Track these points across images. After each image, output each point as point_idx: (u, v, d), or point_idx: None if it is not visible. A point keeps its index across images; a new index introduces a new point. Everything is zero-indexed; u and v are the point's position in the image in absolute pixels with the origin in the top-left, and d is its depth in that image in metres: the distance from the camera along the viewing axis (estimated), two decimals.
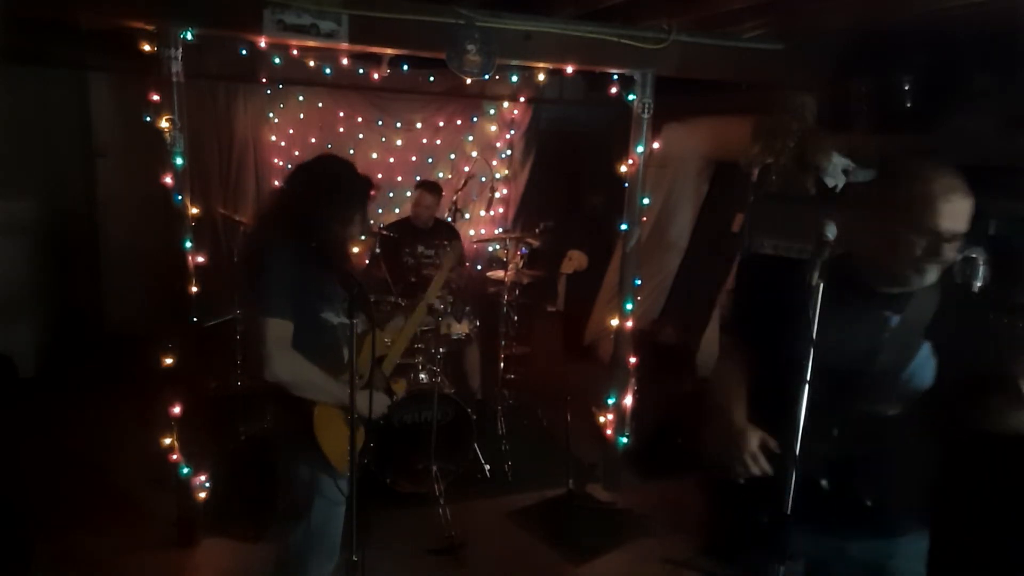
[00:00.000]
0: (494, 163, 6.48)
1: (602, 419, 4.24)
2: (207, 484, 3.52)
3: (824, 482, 1.68)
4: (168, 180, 3.29)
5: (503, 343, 4.72)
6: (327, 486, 2.30)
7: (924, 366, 1.71)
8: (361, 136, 6.26)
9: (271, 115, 5.99)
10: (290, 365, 2.15)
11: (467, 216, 6.55)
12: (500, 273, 4.86)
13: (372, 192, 2.43)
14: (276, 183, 5.96)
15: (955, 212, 1.62)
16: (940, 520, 1.84)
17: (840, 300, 1.58)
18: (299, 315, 2.18)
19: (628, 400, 4.16)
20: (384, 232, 4.72)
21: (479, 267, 6.31)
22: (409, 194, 5.38)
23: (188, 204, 3.34)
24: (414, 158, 6.44)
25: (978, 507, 2.54)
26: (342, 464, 2.27)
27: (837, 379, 1.61)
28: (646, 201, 4.05)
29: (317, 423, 2.22)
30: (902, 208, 1.66)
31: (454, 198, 5.28)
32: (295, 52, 4.34)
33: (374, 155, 6.32)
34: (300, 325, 2.18)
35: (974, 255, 2.78)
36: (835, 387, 1.60)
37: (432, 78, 5.93)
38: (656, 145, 4.25)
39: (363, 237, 2.42)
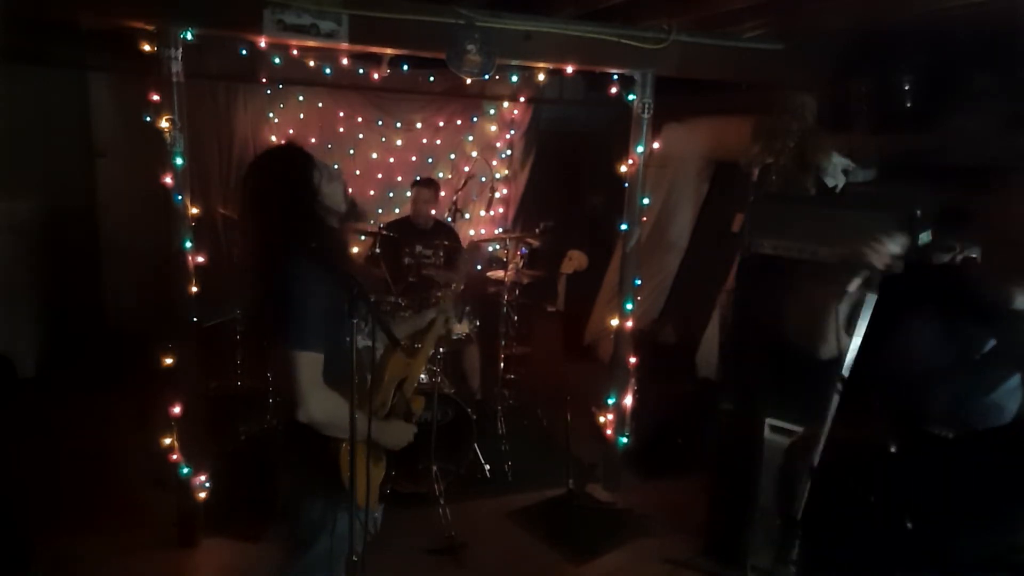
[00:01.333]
0: (494, 163, 6.48)
1: (602, 419, 4.24)
2: (207, 484, 3.52)
3: (872, 498, 1.59)
4: (168, 180, 3.29)
5: (503, 343, 4.72)
6: (342, 522, 2.07)
7: (1009, 397, 1.58)
8: (361, 136, 6.26)
9: (271, 115, 5.99)
10: (325, 404, 1.94)
11: (467, 216, 6.56)
12: (500, 273, 4.86)
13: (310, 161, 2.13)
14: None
15: None
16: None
17: (933, 310, 1.49)
18: (328, 344, 1.96)
19: (628, 400, 4.16)
20: (384, 232, 4.73)
21: (479, 267, 6.31)
22: (409, 194, 5.40)
23: (188, 204, 3.34)
24: (414, 158, 6.44)
25: None
26: (366, 500, 2.11)
27: (909, 393, 1.52)
28: (646, 201, 4.05)
29: (345, 464, 2.00)
30: (1009, 212, 1.53)
31: (454, 198, 5.28)
32: (295, 52, 4.34)
33: (374, 155, 6.32)
34: (327, 356, 1.96)
35: (974, 255, 2.77)
36: (904, 401, 1.51)
37: (432, 78, 5.93)
38: (656, 145, 4.25)
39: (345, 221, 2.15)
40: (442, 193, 5.31)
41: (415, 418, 2.35)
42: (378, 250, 4.64)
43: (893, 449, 1.56)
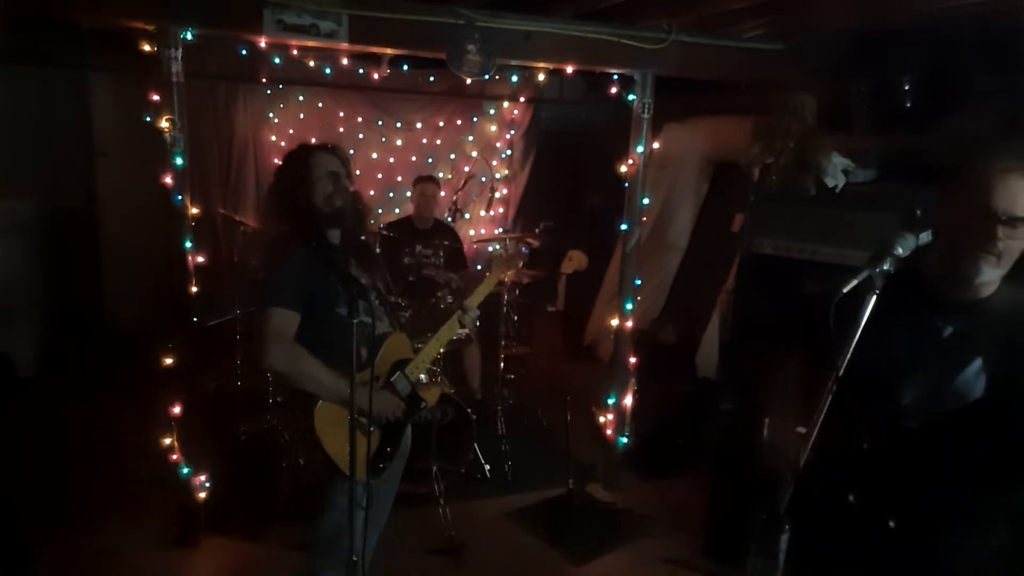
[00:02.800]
0: (494, 163, 6.48)
1: (602, 419, 4.24)
2: (207, 484, 3.52)
3: (852, 498, 1.59)
4: (168, 180, 3.29)
5: (503, 343, 4.72)
6: (339, 492, 2.20)
7: (972, 383, 1.59)
8: (361, 136, 6.26)
9: (271, 115, 6.00)
10: (287, 355, 2.14)
11: (467, 216, 6.56)
12: None
13: (331, 151, 2.40)
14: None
15: (1011, 192, 1.50)
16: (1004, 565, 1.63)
17: (887, 304, 1.48)
18: (310, 309, 2.19)
19: (628, 400, 4.16)
20: (384, 232, 4.73)
21: (479, 267, 6.31)
22: (409, 194, 5.41)
23: (188, 204, 3.34)
24: (414, 158, 6.45)
25: None
26: (351, 468, 2.16)
27: (872, 387, 1.52)
28: (646, 201, 4.05)
29: (320, 425, 2.18)
30: (958, 190, 1.57)
31: (454, 198, 5.29)
32: (295, 52, 4.34)
33: (374, 155, 6.32)
34: (312, 319, 2.19)
35: None
36: (869, 396, 1.51)
37: (432, 78, 5.94)
38: (656, 145, 4.25)
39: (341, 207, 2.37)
40: (442, 193, 5.32)
41: (424, 404, 2.49)
42: (378, 250, 4.64)
43: (865, 446, 1.56)
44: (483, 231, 6.67)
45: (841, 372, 1.48)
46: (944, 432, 1.60)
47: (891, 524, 1.59)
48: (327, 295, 2.19)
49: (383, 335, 2.38)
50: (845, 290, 1.48)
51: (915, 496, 1.63)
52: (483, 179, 6.25)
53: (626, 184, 3.99)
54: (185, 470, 3.43)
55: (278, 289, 2.18)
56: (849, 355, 1.48)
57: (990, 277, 1.60)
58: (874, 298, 1.50)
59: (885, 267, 1.52)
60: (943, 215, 1.64)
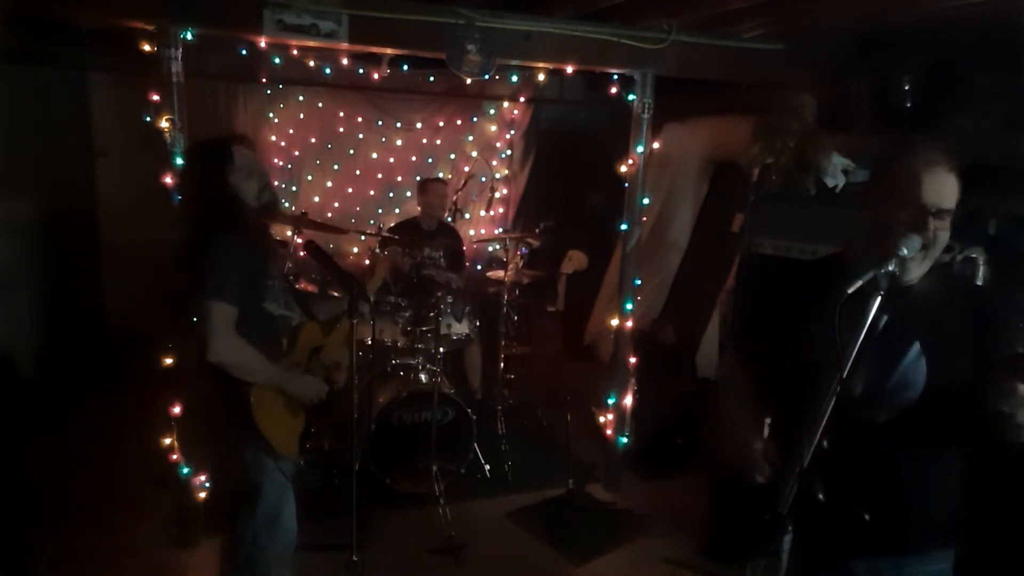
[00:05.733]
0: (494, 163, 6.47)
1: (602, 419, 4.24)
2: (207, 484, 3.51)
3: (820, 496, 1.58)
4: (168, 180, 3.29)
5: (503, 343, 4.72)
6: (271, 469, 2.40)
7: (913, 368, 1.62)
8: (361, 136, 6.26)
9: (271, 115, 5.99)
10: (233, 349, 2.24)
11: (467, 216, 6.55)
12: (500, 273, 4.86)
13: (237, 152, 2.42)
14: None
15: (937, 185, 1.58)
16: (964, 537, 1.74)
17: (825, 300, 1.49)
18: (242, 303, 2.27)
19: (628, 400, 4.16)
20: (386, 234, 4.73)
21: (479, 267, 6.32)
22: (409, 194, 5.40)
23: None
24: (414, 158, 6.44)
25: (1005, 521, 2.39)
26: (284, 447, 2.39)
27: (824, 385, 1.53)
28: (646, 201, 4.05)
29: (256, 405, 2.30)
30: (885, 184, 1.65)
31: (454, 198, 5.29)
32: (295, 52, 4.34)
33: (374, 155, 6.32)
34: (243, 313, 2.28)
35: (974, 255, 2.77)
36: (822, 394, 1.52)
37: (432, 78, 5.94)
38: (656, 145, 4.25)
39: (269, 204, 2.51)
40: None
41: (335, 386, 2.64)
42: (379, 249, 4.64)
43: (825, 443, 1.53)
44: (483, 231, 6.67)
45: (845, 374, 1.48)
46: (908, 423, 1.63)
47: (866, 516, 1.60)
48: (257, 290, 2.35)
49: (300, 324, 2.53)
50: (850, 291, 1.48)
51: (882, 489, 1.64)
52: (483, 179, 6.24)
53: (626, 184, 3.99)
54: (185, 470, 3.43)
55: (218, 283, 2.23)
56: (852, 357, 1.48)
57: (921, 269, 1.65)
58: (879, 300, 1.50)
59: (890, 268, 1.53)
60: (870, 204, 1.69)
